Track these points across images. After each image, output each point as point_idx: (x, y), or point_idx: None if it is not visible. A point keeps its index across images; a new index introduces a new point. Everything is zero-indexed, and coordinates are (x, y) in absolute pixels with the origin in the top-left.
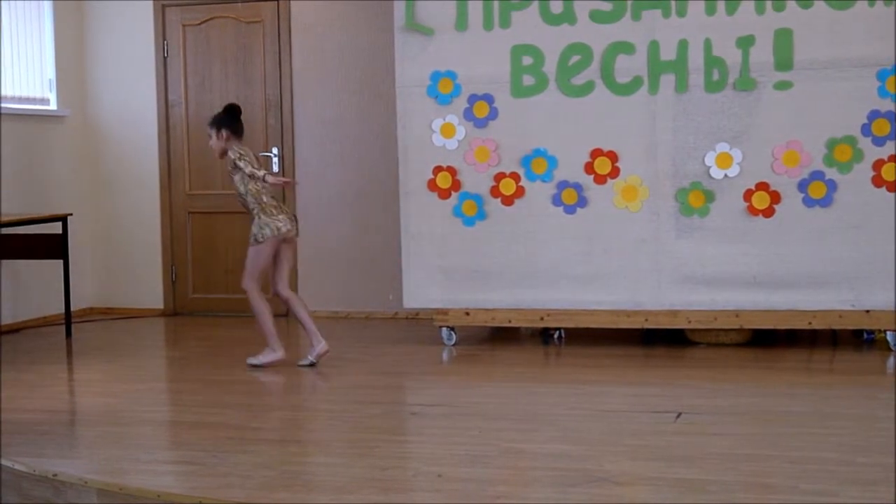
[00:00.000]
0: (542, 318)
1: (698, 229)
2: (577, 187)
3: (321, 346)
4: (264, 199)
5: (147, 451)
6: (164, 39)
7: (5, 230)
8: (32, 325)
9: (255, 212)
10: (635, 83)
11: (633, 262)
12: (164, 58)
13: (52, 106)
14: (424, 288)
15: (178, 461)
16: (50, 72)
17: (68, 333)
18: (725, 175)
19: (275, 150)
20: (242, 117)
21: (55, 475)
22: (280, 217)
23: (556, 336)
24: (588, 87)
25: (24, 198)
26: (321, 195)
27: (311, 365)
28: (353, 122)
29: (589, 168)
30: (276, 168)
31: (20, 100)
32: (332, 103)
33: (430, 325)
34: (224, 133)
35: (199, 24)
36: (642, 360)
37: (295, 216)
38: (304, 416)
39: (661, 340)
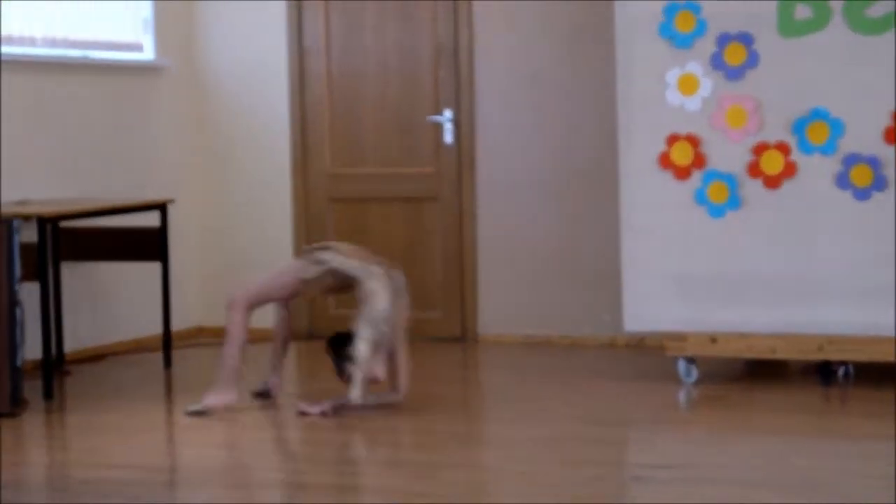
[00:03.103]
0: (820, 348)
1: None
2: (874, 163)
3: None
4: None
5: None
6: None
7: (80, 222)
8: (120, 350)
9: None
10: None
11: None
12: None
13: (148, 54)
14: (653, 304)
15: None
16: (145, 8)
17: (167, 363)
18: None
19: (447, 114)
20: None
21: None
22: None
23: (841, 373)
24: (889, 21)
25: (109, 178)
26: (509, 177)
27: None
28: (554, 76)
29: (891, 136)
30: (449, 139)
31: (104, 45)
32: (525, 51)
33: (661, 354)
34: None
35: None
36: None
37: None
38: (489, 478)
39: None
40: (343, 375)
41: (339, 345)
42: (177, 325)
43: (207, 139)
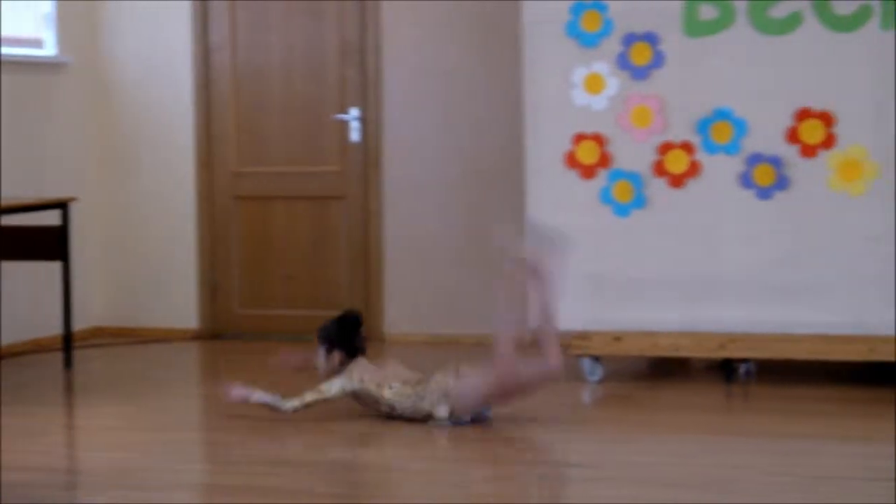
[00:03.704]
0: (723, 346)
1: None
2: (776, 162)
3: None
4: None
5: None
6: None
7: None
8: (19, 351)
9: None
10: (862, 14)
11: (854, 267)
12: None
13: (49, 50)
14: (559, 303)
15: None
16: (46, 3)
17: (68, 363)
18: None
19: (354, 112)
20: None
21: None
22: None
23: (743, 371)
24: (794, 21)
25: (9, 176)
26: (416, 175)
27: None
28: (462, 74)
29: (793, 136)
30: (355, 137)
31: (4, 41)
32: (432, 49)
33: (567, 353)
34: (337, 355)
35: None
36: (866, 405)
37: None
38: (394, 478)
39: (894, 378)
40: (317, 368)
41: (343, 330)
42: (77, 324)
43: (110, 137)
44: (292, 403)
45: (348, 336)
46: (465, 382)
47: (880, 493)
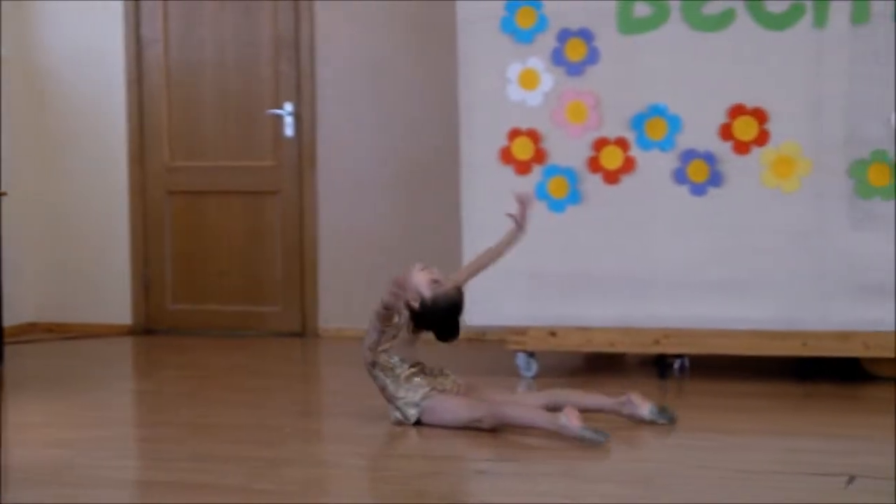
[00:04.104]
0: (657, 342)
1: (881, 218)
2: (709, 158)
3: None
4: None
5: None
6: None
7: None
8: None
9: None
10: (794, 12)
11: (787, 263)
12: None
13: None
14: (494, 299)
15: None
16: None
17: (0, 359)
18: None
19: (288, 107)
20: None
21: None
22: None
23: (676, 366)
24: (727, 18)
25: None
26: (350, 171)
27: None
28: (396, 69)
29: (726, 132)
30: (289, 132)
31: None
32: (367, 44)
33: (502, 349)
34: (411, 324)
35: None
36: (799, 400)
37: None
38: (327, 474)
39: (827, 374)
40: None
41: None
42: (9, 320)
43: (42, 130)
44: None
45: (445, 323)
46: (444, 405)
47: (810, 487)
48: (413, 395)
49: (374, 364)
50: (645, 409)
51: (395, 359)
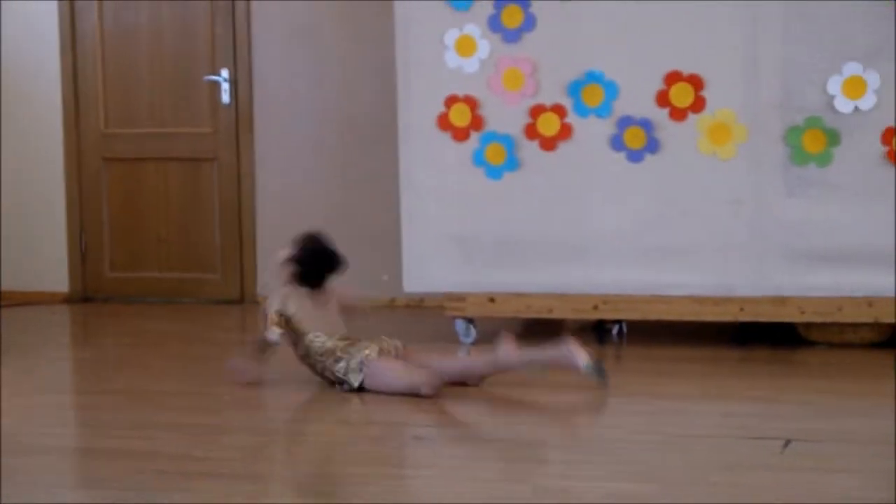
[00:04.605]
0: (595, 307)
1: (817, 184)
2: (646, 125)
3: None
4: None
5: (47, 489)
6: None
7: None
8: None
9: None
10: None
11: (723, 229)
12: None
13: None
14: (432, 265)
15: None
16: None
17: None
18: (856, 108)
19: (224, 73)
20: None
21: None
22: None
23: (615, 331)
24: None
25: None
26: (288, 135)
27: None
28: (334, 35)
29: (662, 98)
30: (226, 99)
31: None
32: (304, 9)
33: (441, 315)
34: (290, 269)
35: None
36: (736, 365)
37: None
38: (267, 442)
39: (763, 339)
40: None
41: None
42: None
43: None
44: (273, 331)
45: (317, 268)
46: (385, 366)
47: (747, 451)
48: (353, 359)
49: (305, 356)
50: (581, 359)
51: (320, 338)
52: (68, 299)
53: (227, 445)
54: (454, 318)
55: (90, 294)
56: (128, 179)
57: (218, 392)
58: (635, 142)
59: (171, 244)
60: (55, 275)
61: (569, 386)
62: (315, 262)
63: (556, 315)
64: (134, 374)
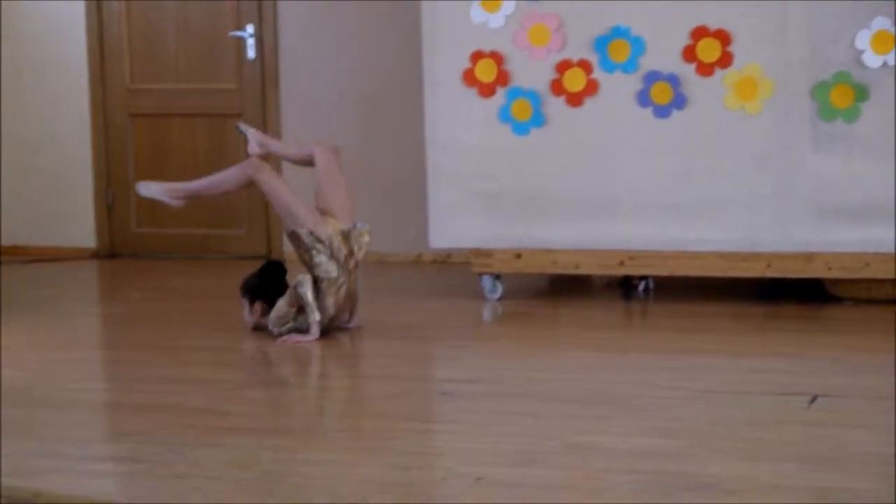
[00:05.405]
0: (622, 263)
1: (844, 139)
2: (673, 80)
3: None
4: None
5: (75, 444)
6: None
7: None
8: None
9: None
10: None
11: (750, 185)
12: None
13: None
14: (458, 221)
15: (117, 458)
16: None
17: None
18: (884, 63)
19: (249, 29)
20: None
21: None
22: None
23: (641, 288)
24: None
25: None
26: (312, 94)
27: None
28: None
29: (689, 54)
30: (251, 54)
31: None
32: None
33: (467, 271)
34: (259, 307)
35: None
36: (762, 321)
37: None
38: (295, 397)
39: (790, 294)
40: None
41: (265, 281)
42: None
43: (1, 52)
44: (315, 316)
45: (270, 287)
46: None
47: (774, 407)
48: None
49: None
50: None
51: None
52: (95, 255)
53: (254, 400)
54: (481, 273)
55: (117, 250)
56: (154, 135)
57: (244, 347)
58: (662, 97)
59: (197, 200)
60: (82, 231)
61: (596, 339)
62: (268, 283)
63: (582, 271)
64: (161, 329)
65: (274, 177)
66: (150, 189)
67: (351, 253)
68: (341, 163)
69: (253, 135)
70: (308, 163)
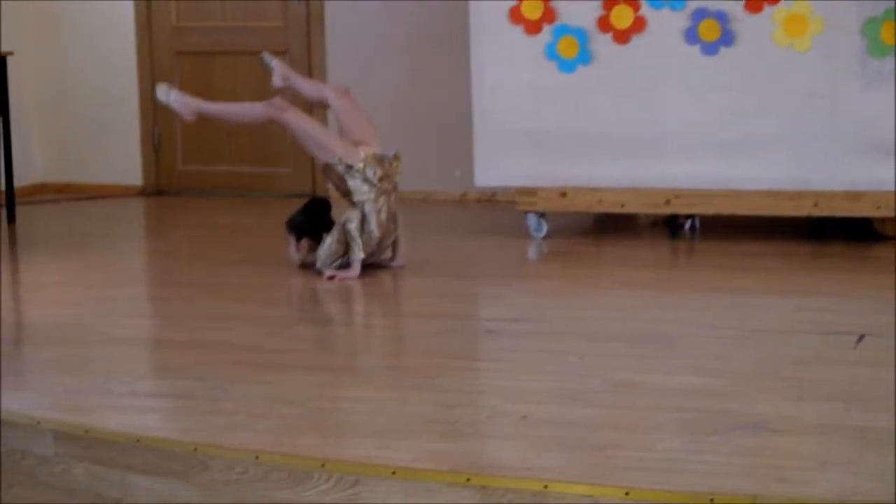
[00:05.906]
0: (668, 202)
1: (894, 76)
2: (721, 17)
3: None
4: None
5: (122, 380)
6: None
7: None
8: None
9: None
10: None
11: (798, 123)
12: None
13: None
14: (504, 160)
15: (164, 394)
16: None
17: (11, 218)
18: None
19: None
20: None
21: None
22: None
23: (687, 226)
24: None
25: None
26: (359, 31)
27: None
28: None
29: None
30: None
31: None
32: None
33: (512, 210)
34: (306, 244)
35: None
36: (810, 260)
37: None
38: (341, 334)
39: (837, 233)
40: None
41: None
42: (20, 181)
43: None
44: (357, 255)
45: (315, 223)
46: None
47: (821, 346)
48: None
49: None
50: None
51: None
52: (142, 192)
53: (300, 337)
54: (526, 212)
55: (163, 187)
56: (200, 73)
57: (290, 284)
58: (710, 34)
59: (243, 138)
60: (129, 168)
61: (641, 278)
62: (314, 220)
63: (628, 209)
64: (206, 267)
65: (299, 113)
66: (168, 95)
67: (387, 175)
68: (355, 99)
69: (277, 66)
70: (319, 104)
